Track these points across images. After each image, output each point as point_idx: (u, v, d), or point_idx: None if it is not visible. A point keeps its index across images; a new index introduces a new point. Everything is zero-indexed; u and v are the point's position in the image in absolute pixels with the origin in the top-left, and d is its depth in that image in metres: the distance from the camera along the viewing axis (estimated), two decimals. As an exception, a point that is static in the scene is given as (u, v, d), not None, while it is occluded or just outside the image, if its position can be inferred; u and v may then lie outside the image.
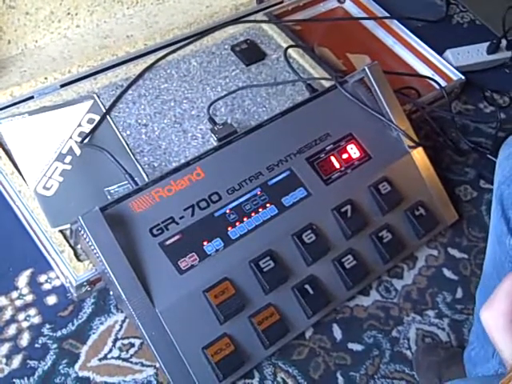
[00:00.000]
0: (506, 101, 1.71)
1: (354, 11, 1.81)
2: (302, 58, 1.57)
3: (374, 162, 1.34)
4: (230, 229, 1.19)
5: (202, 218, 1.18)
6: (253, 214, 1.22)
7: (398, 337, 1.27)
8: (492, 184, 1.50)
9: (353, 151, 1.33)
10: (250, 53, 1.57)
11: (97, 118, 1.39)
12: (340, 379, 1.21)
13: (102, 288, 1.23)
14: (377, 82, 1.36)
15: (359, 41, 1.74)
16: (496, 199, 0.90)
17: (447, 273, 1.37)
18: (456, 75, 1.65)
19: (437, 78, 1.65)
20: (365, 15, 1.78)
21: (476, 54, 1.75)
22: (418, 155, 1.39)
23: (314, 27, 1.74)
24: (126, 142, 1.37)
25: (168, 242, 1.15)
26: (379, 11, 1.77)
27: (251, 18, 1.65)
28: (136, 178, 1.26)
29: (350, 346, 1.25)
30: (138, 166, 1.33)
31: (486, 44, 1.75)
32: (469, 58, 1.73)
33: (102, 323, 1.21)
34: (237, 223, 1.20)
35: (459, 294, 1.34)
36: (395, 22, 1.75)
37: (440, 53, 1.71)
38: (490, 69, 1.76)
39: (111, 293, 1.21)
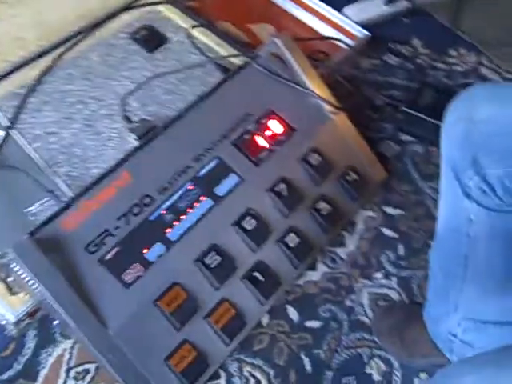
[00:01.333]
0: (410, 50, 1.72)
1: (247, -21, 1.75)
2: (205, 36, 1.51)
3: (299, 134, 1.31)
4: (168, 230, 1.14)
5: (138, 225, 1.12)
6: (189, 211, 1.17)
7: (353, 305, 1.27)
8: (412, 136, 1.53)
9: (276, 127, 1.30)
10: (151, 39, 1.49)
11: (0, 133, 1.29)
12: (305, 360, 1.20)
13: (43, 317, 1.16)
14: (290, 52, 1.33)
15: (258, 9, 1.70)
16: (446, 164, 0.89)
17: (387, 232, 1.38)
18: (360, 32, 1.64)
19: (341, 37, 1.63)
20: (258, -18, 1.73)
21: (374, 7, 1.74)
22: (341, 120, 1.37)
23: (210, 2, 1.68)
24: (37, 155, 1.27)
25: (107, 257, 1.08)
26: (272, -24, 1.72)
27: (145, 1, 1.56)
28: (57, 192, 1.18)
29: (308, 324, 1.24)
30: (57, 178, 1.24)
31: (383, -5, 1.75)
32: (368, 12, 1.73)
33: (49, 355, 1.14)
34: (174, 223, 1.15)
35: (401, 250, 1.35)
36: (290, -16, 1.71)
37: (339, 10, 1.69)
38: (390, 20, 1.76)
39: (55, 322, 1.14)
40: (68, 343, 1.15)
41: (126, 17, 1.52)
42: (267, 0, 1.72)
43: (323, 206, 1.29)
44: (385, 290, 1.29)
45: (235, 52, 1.47)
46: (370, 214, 1.39)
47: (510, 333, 1.10)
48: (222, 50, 1.49)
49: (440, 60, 1.69)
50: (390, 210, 1.40)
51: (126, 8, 1.53)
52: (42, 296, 1.02)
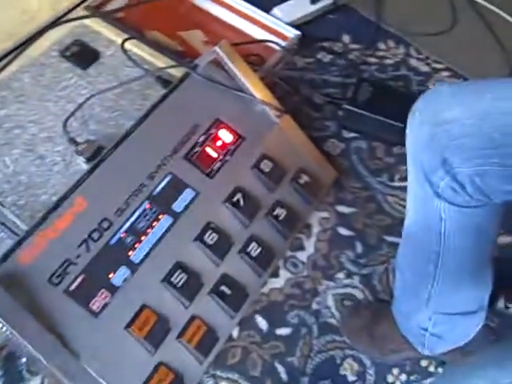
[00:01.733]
0: (340, 46, 1.73)
1: (172, -14, 1.72)
2: (138, 48, 1.47)
3: (248, 141, 1.30)
4: (131, 253, 1.11)
5: (100, 250, 1.09)
6: (149, 231, 1.14)
7: (319, 308, 1.27)
8: (355, 132, 1.54)
9: (225, 136, 1.28)
10: (83, 55, 1.45)
11: None
12: (280, 368, 1.19)
13: (8, 354, 1.10)
14: (230, 60, 1.31)
15: (186, 16, 1.66)
16: (415, 166, 0.89)
17: (343, 231, 1.38)
18: (291, 32, 1.64)
19: (274, 38, 1.63)
20: (184, -12, 1.70)
21: (301, 6, 1.74)
22: (286, 122, 1.37)
23: (136, 12, 1.63)
24: (-21, 186, 1.21)
25: (72, 287, 1.04)
26: (198, -19, 1.70)
27: (71, 15, 1.50)
28: (8, 224, 1.12)
29: (278, 332, 1.23)
30: (4, 209, 1.19)
31: (308, -6, 1.75)
32: (296, 12, 1.73)
33: (19, 395, 1.09)
34: (136, 245, 1.12)
35: (359, 248, 1.36)
36: (216, -12, 1.69)
37: (267, 12, 1.69)
38: (318, 18, 1.77)
39: (23, 360, 1.09)
40: (37, 379, 1.10)
41: (54, 34, 1.46)
42: (194, 6, 1.69)
43: (280, 212, 1.28)
44: (349, 290, 1.30)
45: (172, 63, 1.43)
46: (324, 214, 1.40)
47: (476, 321, 1.12)
48: (158, 61, 1.46)
49: (370, 54, 1.71)
50: (342, 208, 1.41)
51: (53, 24, 1.47)
52: (8, 334, 0.97)
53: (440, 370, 1.21)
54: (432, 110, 0.85)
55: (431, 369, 1.22)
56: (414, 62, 1.71)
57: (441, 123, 0.84)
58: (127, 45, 1.48)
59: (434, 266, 0.99)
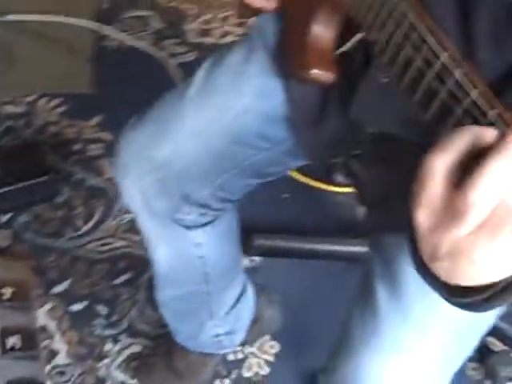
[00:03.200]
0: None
1: None
2: None
3: None
4: None
5: None
6: None
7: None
8: (11, 211, 1.39)
9: None
10: None
11: None
12: None
13: None
14: None
15: None
16: (149, 215, 0.84)
17: (76, 307, 1.28)
18: None
19: None
20: None
21: None
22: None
23: None
24: None
25: None
26: None
27: None
28: None
29: None
30: None
31: None
32: None
33: None
34: None
35: (103, 310, 1.28)
36: None
37: None
38: None
39: None
40: None
41: None
42: None
43: (12, 341, 1.15)
44: (126, 352, 1.23)
45: None
46: (49, 305, 1.27)
47: (249, 296, 1.14)
48: None
49: None
50: (59, 288, 1.29)
51: None
52: None
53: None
54: (141, 160, 0.81)
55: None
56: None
57: (159, 167, 0.80)
58: None
59: (206, 284, 0.97)
